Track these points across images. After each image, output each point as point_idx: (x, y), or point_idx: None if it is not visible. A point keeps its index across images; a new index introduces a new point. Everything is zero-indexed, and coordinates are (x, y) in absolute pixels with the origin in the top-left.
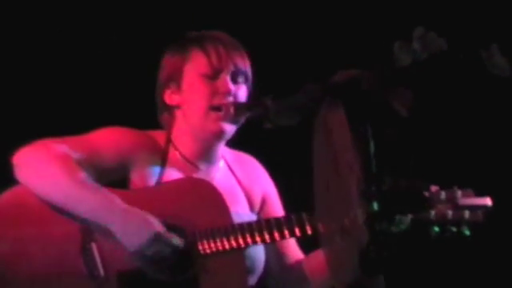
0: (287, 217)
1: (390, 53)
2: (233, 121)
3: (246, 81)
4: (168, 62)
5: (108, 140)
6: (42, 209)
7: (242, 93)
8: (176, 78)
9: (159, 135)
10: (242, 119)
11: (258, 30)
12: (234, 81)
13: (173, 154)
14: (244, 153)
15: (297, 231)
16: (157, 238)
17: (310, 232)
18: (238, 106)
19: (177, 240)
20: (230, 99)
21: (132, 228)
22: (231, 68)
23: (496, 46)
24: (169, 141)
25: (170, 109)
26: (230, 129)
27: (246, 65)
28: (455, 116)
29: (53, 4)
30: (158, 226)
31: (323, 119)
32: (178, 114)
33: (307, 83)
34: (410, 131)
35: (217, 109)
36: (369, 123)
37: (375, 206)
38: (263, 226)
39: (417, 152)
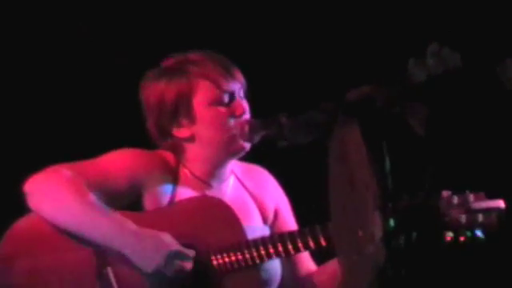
0: (301, 230)
1: (405, 69)
2: (248, 139)
3: (245, 93)
4: (167, 93)
5: (119, 163)
6: (55, 236)
7: (248, 107)
8: (184, 111)
9: (168, 155)
10: (258, 138)
11: (272, 48)
12: (240, 97)
13: (183, 172)
14: (254, 164)
15: (311, 244)
16: (172, 255)
17: (324, 244)
18: (252, 124)
19: (192, 252)
20: (247, 117)
21: (146, 250)
22: (239, 86)
23: (511, 60)
24: (179, 162)
25: (177, 140)
26: (248, 147)
27: (242, 76)
28: (470, 131)
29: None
30: (171, 244)
31: (338, 137)
32: (188, 144)
33: (322, 101)
34: (426, 147)
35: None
36: (384, 140)
37: (392, 223)
38: (277, 240)
39: (433, 168)
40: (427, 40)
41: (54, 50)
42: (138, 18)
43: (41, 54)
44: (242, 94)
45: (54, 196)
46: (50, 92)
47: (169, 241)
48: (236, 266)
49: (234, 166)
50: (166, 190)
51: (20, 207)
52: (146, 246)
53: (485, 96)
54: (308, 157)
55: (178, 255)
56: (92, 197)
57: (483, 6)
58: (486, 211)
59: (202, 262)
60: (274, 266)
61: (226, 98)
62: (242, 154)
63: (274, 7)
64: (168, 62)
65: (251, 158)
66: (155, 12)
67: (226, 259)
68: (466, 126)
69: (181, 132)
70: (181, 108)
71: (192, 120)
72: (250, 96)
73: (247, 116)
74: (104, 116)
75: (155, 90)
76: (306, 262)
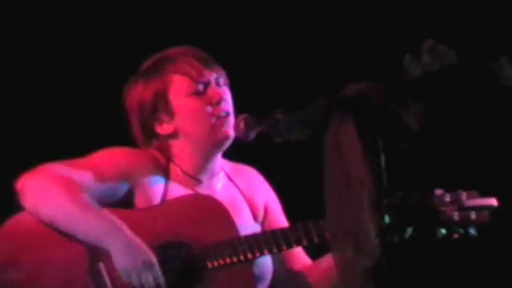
0: (293, 227)
1: (400, 66)
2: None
3: (225, 83)
4: (145, 94)
5: (110, 161)
6: (46, 234)
7: (228, 96)
8: (162, 107)
9: (157, 154)
10: (253, 134)
11: (267, 43)
12: (218, 86)
13: (173, 169)
14: (242, 164)
15: (304, 240)
16: (147, 268)
17: (317, 240)
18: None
19: (162, 279)
20: (225, 105)
21: (129, 252)
22: (214, 76)
23: (506, 57)
24: (168, 159)
25: (162, 138)
26: (233, 134)
27: (219, 67)
28: (466, 128)
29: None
30: (153, 260)
31: (333, 133)
32: (173, 141)
33: (317, 97)
34: (421, 144)
35: (220, 117)
36: (379, 137)
37: (387, 219)
38: (269, 237)
39: (428, 165)
40: (423, 36)
41: (48, 50)
42: (135, 16)
43: (34, 54)
44: (220, 82)
45: (47, 194)
46: (41, 90)
47: (152, 257)
48: (229, 261)
49: (223, 164)
50: (157, 187)
51: (11, 205)
52: (131, 249)
53: (480, 93)
54: (303, 153)
55: (151, 269)
56: (84, 195)
57: (478, 3)
58: (479, 209)
59: (195, 259)
60: (266, 262)
61: (201, 88)
62: (228, 142)
63: (269, 5)
64: (146, 63)
65: (246, 155)
66: (152, 11)
67: (219, 255)
68: (461, 123)
69: (163, 128)
70: (159, 104)
71: (171, 114)
72: (245, 93)
73: (227, 104)
74: (95, 115)
75: (134, 94)
76: (300, 256)
